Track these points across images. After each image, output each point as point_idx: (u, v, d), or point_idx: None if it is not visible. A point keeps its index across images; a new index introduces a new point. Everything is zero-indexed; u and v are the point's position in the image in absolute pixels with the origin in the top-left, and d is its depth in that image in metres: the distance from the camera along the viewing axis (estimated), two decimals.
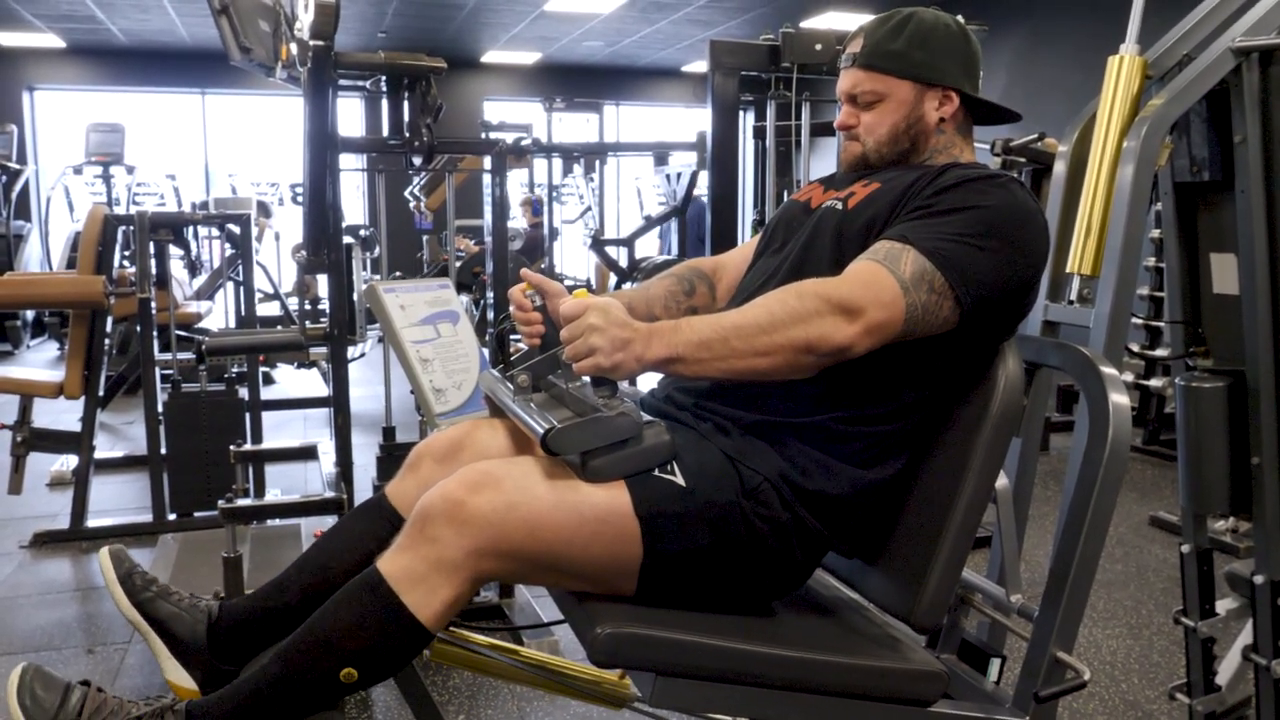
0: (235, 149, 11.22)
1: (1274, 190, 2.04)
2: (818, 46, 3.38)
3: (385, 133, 2.93)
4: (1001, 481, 1.50)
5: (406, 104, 2.93)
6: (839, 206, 1.51)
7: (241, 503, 2.38)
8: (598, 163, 5.57)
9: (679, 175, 5.35)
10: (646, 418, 1.37)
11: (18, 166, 8.90)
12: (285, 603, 1.48)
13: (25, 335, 8.65)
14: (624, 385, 1.39)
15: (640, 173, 10.41)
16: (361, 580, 1.27)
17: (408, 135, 2.90)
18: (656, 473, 1.33)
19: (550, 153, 4.98)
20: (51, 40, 10.01)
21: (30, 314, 8.71)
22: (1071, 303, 2.05)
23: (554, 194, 7.43)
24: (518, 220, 8.37)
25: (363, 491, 3.37)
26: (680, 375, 1.35)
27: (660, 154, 5.59)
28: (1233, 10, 2.20)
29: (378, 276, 8.99)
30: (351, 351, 5.33)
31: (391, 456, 3.20)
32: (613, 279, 5.55)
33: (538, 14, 9.00)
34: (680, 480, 1.34)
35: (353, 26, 9.51)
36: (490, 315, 3.80)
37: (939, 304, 1.32)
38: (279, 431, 5.06)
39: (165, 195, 9.02)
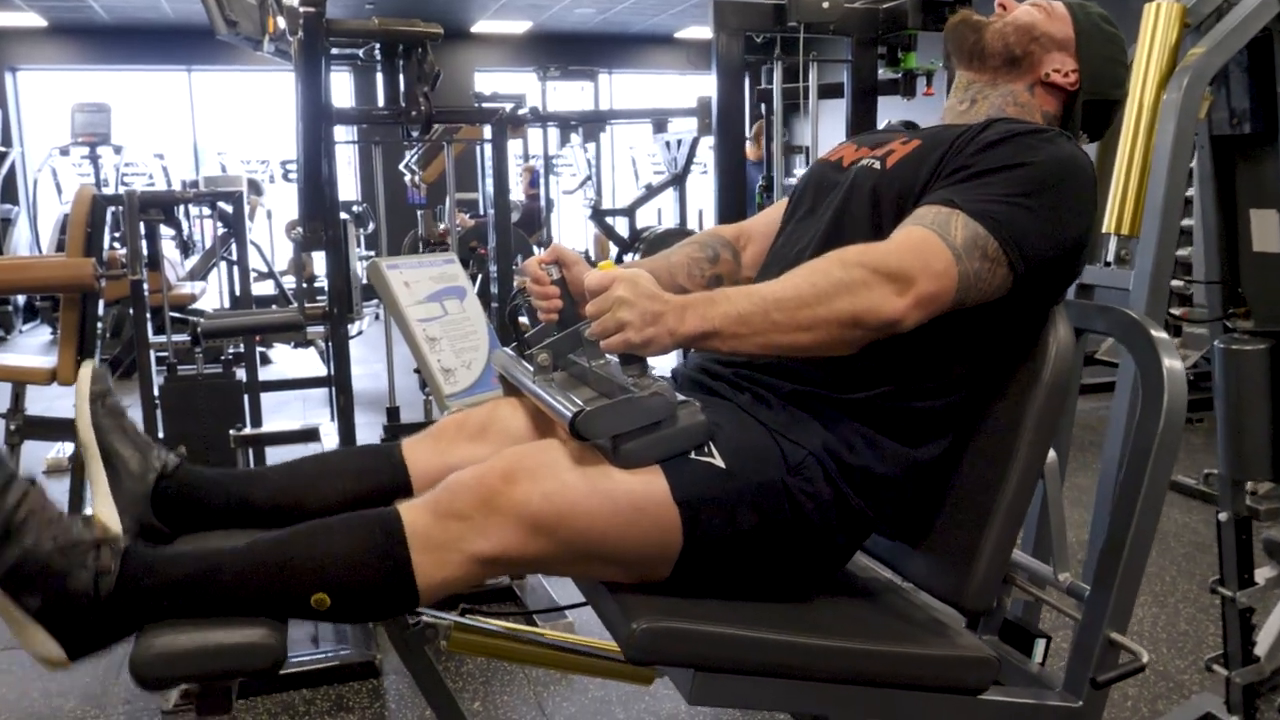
0: (224, 127, 11.04)
1: None
2: (825, 4, 3.27)
3: (380, 103, 2.82)
4: (1050, 454, 1.43)
5: (402, 73, 2.83)
6: (876, 166, 1.42)
7: None
8: (596, 132, 5.46)
9: (679, 142, 5.24)
10: (680, 397, 1.28)
11: (3, 149, 8.76)
12: (249, 497, 1.40)
13: (17, 320, 8.54)
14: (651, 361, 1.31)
15: (635, 141, 10.27)
16: (376, 517, 1.20)
17: (404, 105, 2.79)
18: (693, 455, 1.25)
19: (548, 122, 4.87)
20: (33, 19, 9.82)
21: (21, 298, 8.59)
22: (1108, 264, 1.96)
23: (550, 165, 7.31)
24: (514, 191, 8.25)
25: None
26: (715, 350, 1.26)
27: (659, 121, 5.47)
28: None
29: (373, 253, 8.87)
30: (351, 329, 5.25)
31: (396, 438, 3.11)
32: (613, 250, 5.45)
33: None
34: (719, 462, 1.25)
35: (338, 0, 9.33)
36: (493, 290, 3.71)
37: (992, 271, 1.24)
38: (278, 413, 4.97)
39: (154, 175, 8.89)
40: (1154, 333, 1.43)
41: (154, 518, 1.36)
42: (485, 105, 3.87)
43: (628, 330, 1.20)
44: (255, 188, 8.45)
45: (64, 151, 8.14)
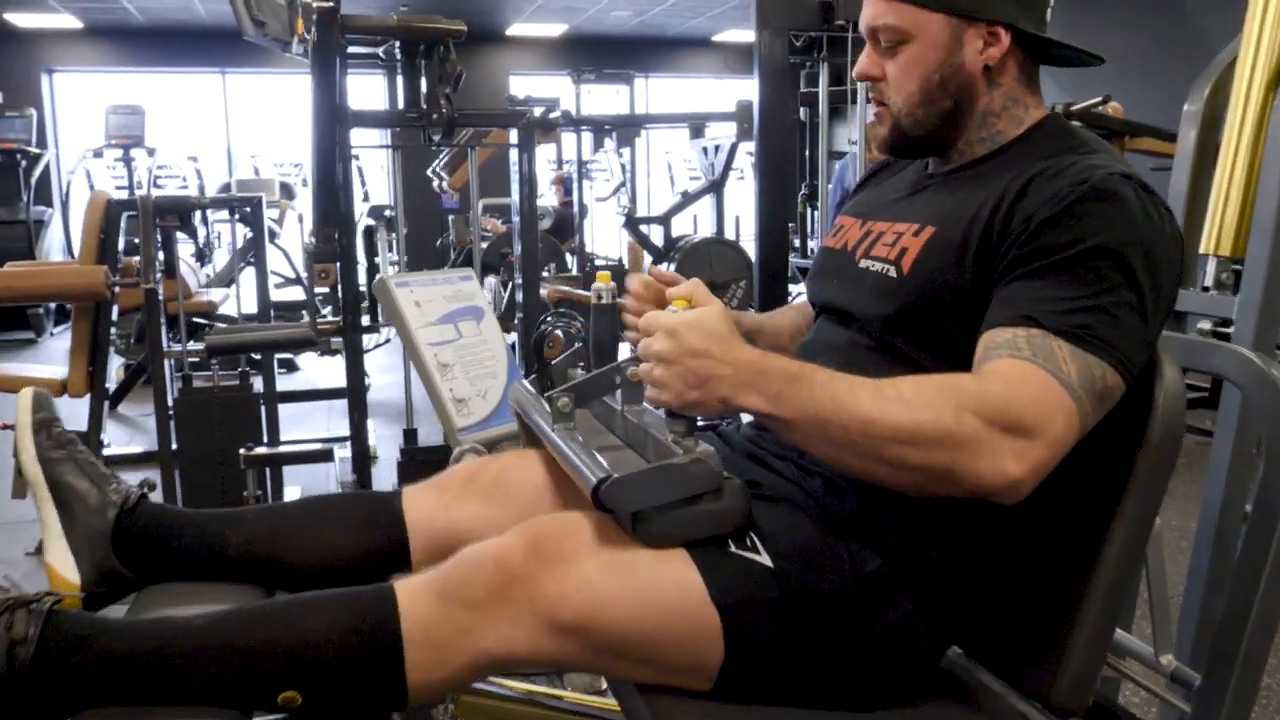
0: (258, 130, 10.99)
1: None
2: None
3: (400, 105, 2.65)
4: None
5: (424, 73, 2.65)
6: (890, 273, 1.19)
7: None
8: (631, 137, 5.28)
9: (717, 148, 5.04)
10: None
11: (37, 151, 8.72)
12: (223, 543, 1.24)
13: (48, 323, 8.50)
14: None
15: (670, 147, 10.06)
16: (369, 598, 1.03)
17: (425, 107, 2.62)
18: (733, 548, 1.06)
19: (581, 125, 4.69)
20: (69, 21, 9.80)
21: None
22: (1206, 289, 1.74)
23: (583, 170, 7.13)
24: (546, 198, 8.08)
25: None
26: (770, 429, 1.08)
27: (696, 126, 5.27)
28: None
29: (406, 259, 8.75)
30: (375, 338, 5.10)
31: (414, 462, 2.95)
32: (647, 259, 5.26)
33: None
34: (766, 559, 1.06)
35: (371, 1, 9.23)
36: (519, 298, 3.54)
37: (1107, 400, 1.03)
38: (302, 424, 4.83)
39: (188, 178, 8.82)
40: (1277, 375, 1.22)
41: (116, 560, 1.20)
42: (512, 108, 3.70)
43: (664, 392, 1.03)
44: (288, 191, 8.36)
45: (98, 154, 8.08)
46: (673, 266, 5.01)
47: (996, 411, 0.97)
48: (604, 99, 8.63)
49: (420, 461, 2.80)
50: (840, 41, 3.14)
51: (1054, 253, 1.06)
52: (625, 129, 4.77)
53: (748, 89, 3.19)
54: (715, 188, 5.07)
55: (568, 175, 8.07)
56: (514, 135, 2.84)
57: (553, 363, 1.56)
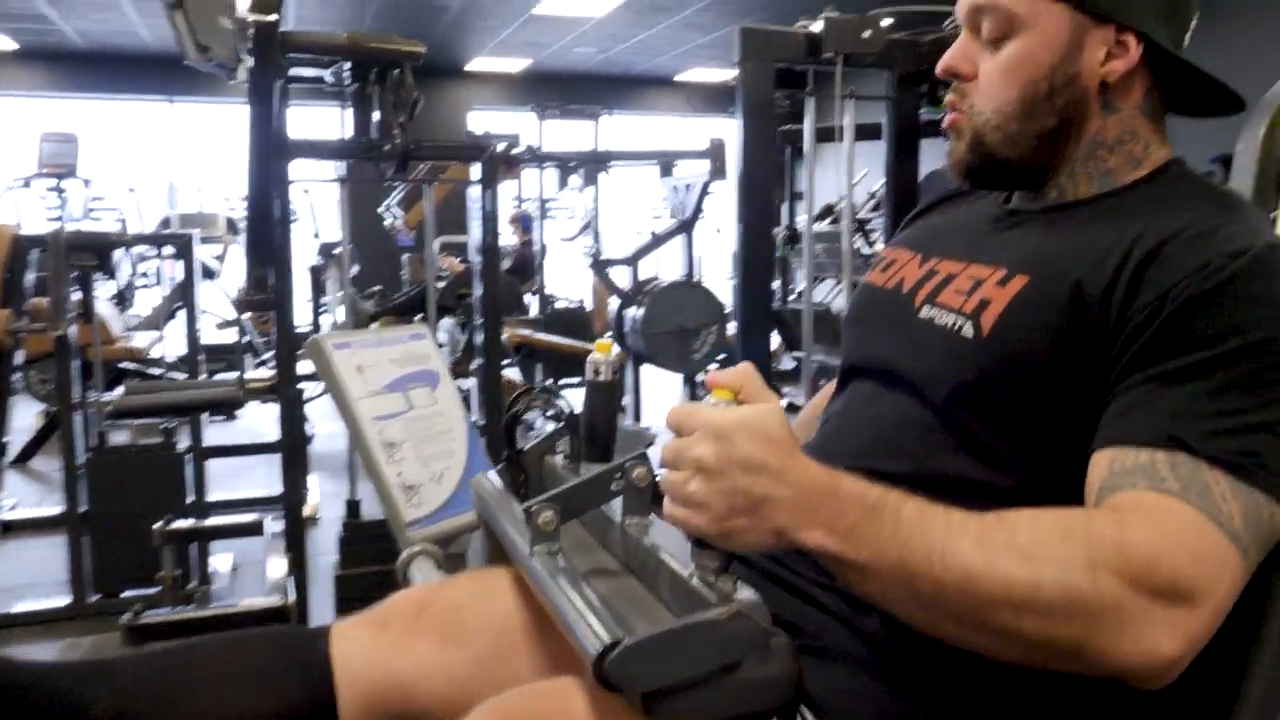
0: (204, 161, 10.59)
1: None
2: (866, 34, 2.83)
3: (351, 134, 2.35)
4: None
5: (376, 100, 2.36)
6: (965, 330, 0.92)
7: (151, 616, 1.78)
8: (597, 174, 5.02)
9: (687, 187, 4.79)
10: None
11: None
12: (81, 709, 0.94)
13: None
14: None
15: (638, 185, 9.84)
16: None
17: (377, 138, 2.32)
18: None
19: (545, 161, 4.42)
20: (2, 42, 9.38)
21: None
22: None
23: (544, 209, 6.87)
24: (503, 236, 7.79)
25: (321, 585, 2.73)
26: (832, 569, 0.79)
27: (666, 164, 5.03)
28: None
29: (369, 302, 8.38)
30: (317, 387, 4.76)
31: (358, 538, 2.61)
32: (614, 302, 4.98)
33: (527, 18, 8.44)
34: None
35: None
36: (477, 340, 3.23)
37: (1272, 543, 0.77)
38: (240, 477, 4.45)
39: (125, 211, 8.40)
40: None
41: None
42: (470, 142, 3.41)
43: (700, 514, 0.74)
44: (233, 227, 7.98)
45: (26, 183, 7.64)
46: (640, 311, 4.74)
47: (1144, 570, 0.71)
48: (566, 136, 8.41)
49: (368, 538, 2.47)
50: (824, 76, 2.91)
51: (1203, 346, 0.79)
52: (592, 166, 4.50)
53: (714, 127, 2.95)
54: (685, 228, 4.82)
55: (525, 214, 7.80)
56: (475, 170, 2.55)
57: (524, 451, 1.26)
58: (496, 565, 1.13)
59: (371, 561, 2.54)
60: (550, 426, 1.26)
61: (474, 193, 2.56)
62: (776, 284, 8.09)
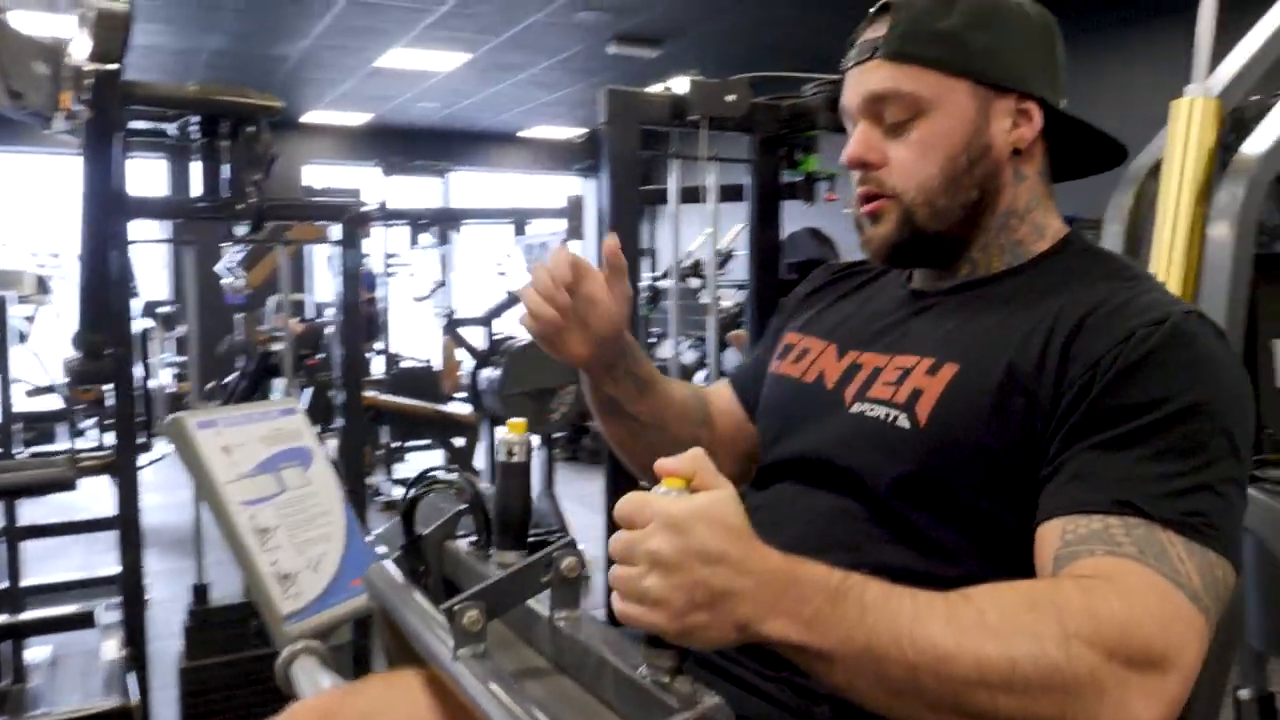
0: (13, 214, 9.86)
1: None
2: (730, 97, 2.87)
3: (200, 191, 2.19)
4: None
5: (227, 156, 2.22)
6: (900, 421, 0.92)
7: None
8: (449, 232, 4.91)
9: (543, 245, 4.74)
10: None
11: None
12: None
13: None
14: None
15: (489, 243, 9.73)
16: None
17: (229, 196, 2.18)
18: None
19: (396, 219, 4.28)
20: None
21: None
22: None
23: (388, 266, 6.68)
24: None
25: (162, 679, 2.47)
26: (795, 661, 0.74)
27: (520, 221, 4.98)
28: None
29: (185, 358, 7.91)
30: (148, 455, 4.42)
31: (206, 626, 2.40)
32: (467, 363, 4.86)
33: (369, 71, 8.28)
34: None
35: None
36: (337, 422, 3.05)
37: (1225, 601, 0.78)
38: (63, 555, 4.08)
39: None
40: None
41: None
42: (331, 200, 3.27)
43: (659, 611, 0.69)
44: (43, 286, 7.40)
45: None
46: (496, 371, 4.63)
47: (1117, 638, 0.70)
48: (410, 192, 8.24)
49: (217, 625, 2.27)
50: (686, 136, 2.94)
51: (1139, 413, 0.81)
52: (446, 224, 4.40)
53: (560, 185, 2.92)
54: None
55: (369, 271, 7.57)
56: (334, 230, 2.43)
57: (424, 533, 1.17)
58: (404, 666, 1.03)
59: (221, 651, 2.33)
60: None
61: (326, 250, 2.43)
62: None
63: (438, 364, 6.70)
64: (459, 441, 5.79)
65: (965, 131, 0.96)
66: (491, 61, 8.04)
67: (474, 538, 1.12)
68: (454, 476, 1.13)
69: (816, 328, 1.13)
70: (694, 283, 5.56)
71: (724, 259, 5.67)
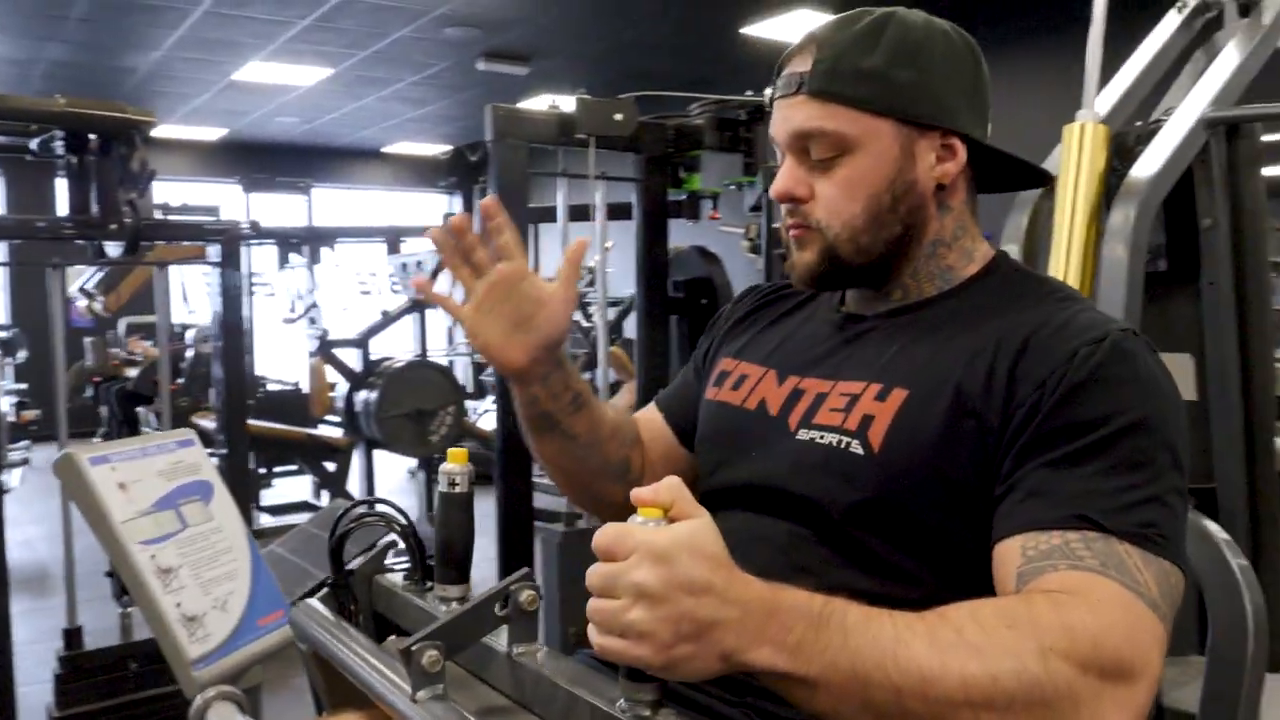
0: None
1: (1245, 281, 1.74)
2: (617, 116, 2.89)
3: (67, 210, 2.06)
4: None
5: (96, 172, 2.09)
6: (853, 448, 0.93)
7: None
8: (320, 251, 4.77)
9: (419, 263, 4.65)
10: None
11: None
12: None
13: None
14: None
15: (354, 262, 9.46)
16: None
17: (99, 215, 2.06)
18: None
19: (267, 238, 4.13)
20: None
21: None
22: None
23: (251, 286, 6.43)
24: (193, 317, 7.16)
25: None
26: (776, 689, 0.74)
27: (393, 240, 4.87)
28: (1166, 69, 1.93)
29: (24, 386, 7.42)
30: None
31: (79, 672, 2.24)
32: (341, 386, 4.72)
33: (225, 84, 7.98)
34: None
35: None
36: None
37: (1177, 603, 0.81)
38: None
39: None
40: (1235, 561, 1.07)
41: None
42: (211, 221, 3.12)
43: (645, 644, 0.67)
44: None
45: None
46: (373, 393, 4.51)
47: (1091, 651, 0.72)
48: (270, 210, 7.96)
49: (91, 670, 2.13)
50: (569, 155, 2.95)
51: (1088, 430, 0.83)
52: (317, 242, 4.27)
53: (424, 202, 2.87)
54: (419, 307, 4.67)
55: None
56: (213, 250, 2.32)
57: (351, 567, 1.12)
58: (342, 711, 0.98)
59: (96, 699, 2.19)
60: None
61: (185, 272, 2.32)
62: None
63: (306, 387, 6.50)
64: (331, 466, 5.61)
65: (889, 170, 0.97)
66: (355, 76, 7.86)
67: (406, 571, 1.08)
68: (386, 509, 1.09)
69: (752, 353, 1.13)
70: None
71: (593, 278, 5.69)
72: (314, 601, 1.10)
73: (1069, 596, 0.75)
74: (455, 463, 1.00)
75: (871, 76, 0.96)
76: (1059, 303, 0.95)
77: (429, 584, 1.05)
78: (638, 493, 0.72)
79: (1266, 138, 1.70)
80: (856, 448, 0.92)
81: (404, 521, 1.09)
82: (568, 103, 2.90)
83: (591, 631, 0.71)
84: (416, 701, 0.79)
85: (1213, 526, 1.09)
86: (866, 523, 0.91)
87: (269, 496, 6.09)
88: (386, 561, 1.14)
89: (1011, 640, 0.71)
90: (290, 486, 6.32)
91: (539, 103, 7.68)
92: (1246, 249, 1.70)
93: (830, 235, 0.99)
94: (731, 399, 1.09)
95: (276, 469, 6.22)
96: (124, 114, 1.97)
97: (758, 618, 0.70)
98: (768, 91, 1.04)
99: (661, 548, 0.68)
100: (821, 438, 0.95)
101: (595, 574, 0.70)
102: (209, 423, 5.68)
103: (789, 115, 0.99)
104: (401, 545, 1.09)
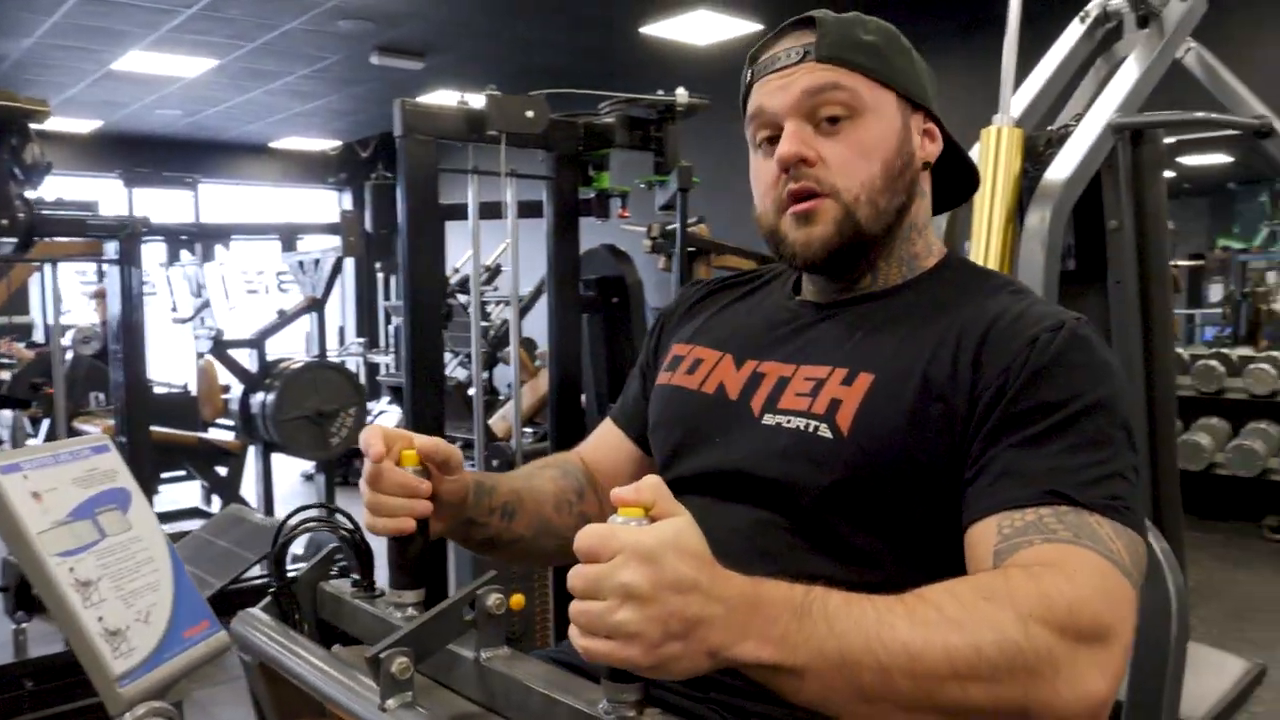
0: None
1: (1148, 280, 1.83)
2: (529, 113, 2.85)
3: None
4: None
5: None
6: (822, 431, 0.94)
7: None
8: (213, 249, 4.58)
9: (316, 262, 4.53)
10: None
11: None
12: None
13: None
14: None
15: (231, 259, 9.15)
16: None
17: None
18: None
19: (157, 235, 3.95)
20: None
21: None
22: None
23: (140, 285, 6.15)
24: (72, 315, 6.82)
25: None
26: (762, 682, 0.74)
27: (288, 238, 4.72)
28: (1070, 77, 2.01)
29: None
30: None
31: None
32: (236, 388, 4.56)
33: (103, 73, 7.62)
34: None
35: None
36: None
37: (1143, 572, 0.85)
38: None
39: None
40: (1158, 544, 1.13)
41: None
42: (102, 217, 2.96)
43: (634, 645, 0.67)
44: None
45: None
46: (270, 395, 4.37)
47: (1068, 616, 0.74)
48: (153, 206, 7.64)
49: None
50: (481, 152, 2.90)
51: (1052, 411, 0.87)
52: (210, 240, 4.12)
53: (314, 198, 2.80)
54: (316, 306, 4.54)
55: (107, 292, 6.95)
56: (110, 247, 2.21)
57: (296, 576, 1.09)
58: None
59: None
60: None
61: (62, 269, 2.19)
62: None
63: (195, 389, 6.25)
64: (223, 470, 5.42)
65: (898, 137, 1.00)
66: (243, 68, 7.60)
67: (353, 578, 1.05)
68: (335, 516, 1.05)
69: (705, 338, 1.13)
70: (461, 298, 5.47)
71: (491, 275, 5.63)
72: (257, 611, 1.06)
73: (1044, 568, 0.78)
74: (409, 465, 0.98)
75: (875, 50, 1.00)
76: (1012, 295, 0.99)
77: (379, 590, 1.03)
78: (618, 492, 0.72)
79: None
80: (825, 431, 0.93)
81: (350, 526, 1.06)
82: (476, 100, 2.85)
83: (574, 633, 0.70)
84: (386, 710, 0.77)
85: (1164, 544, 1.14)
86: (834, 507, 0.92)
87: (157, 504, 5.85)
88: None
89: (991, 612, 0.73)
90: (179, 492, 6.08)
91: (436, 98, 7.59)
92: (1150, 249, 1.78)
93: (849, 198, 0.99)
94: (687, 383, 1.09)
95: (164, 475, 5.99)
96: (15, 103, 1.86)
97: (742, 613, 0.70)
98: (746, 75, 1.05)
99: (648, 547, 0.68)
100: (788, 422, 0.96)
101: (579, 575, 0.69)
102: (90, 427, 5.43)
103: (792, 81, 0.99)
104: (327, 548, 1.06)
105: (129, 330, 2.24)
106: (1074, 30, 2.01)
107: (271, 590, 1.06)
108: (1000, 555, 0.81)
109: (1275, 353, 5.12)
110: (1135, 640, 1.13)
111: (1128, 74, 1.79)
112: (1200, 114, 1.83)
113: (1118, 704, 1.13)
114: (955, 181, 1.12)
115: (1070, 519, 0.81)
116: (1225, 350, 5.35)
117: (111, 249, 2.20)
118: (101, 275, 7.06)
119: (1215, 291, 6.66)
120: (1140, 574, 0.82)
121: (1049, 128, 1.76)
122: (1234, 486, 4.93)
